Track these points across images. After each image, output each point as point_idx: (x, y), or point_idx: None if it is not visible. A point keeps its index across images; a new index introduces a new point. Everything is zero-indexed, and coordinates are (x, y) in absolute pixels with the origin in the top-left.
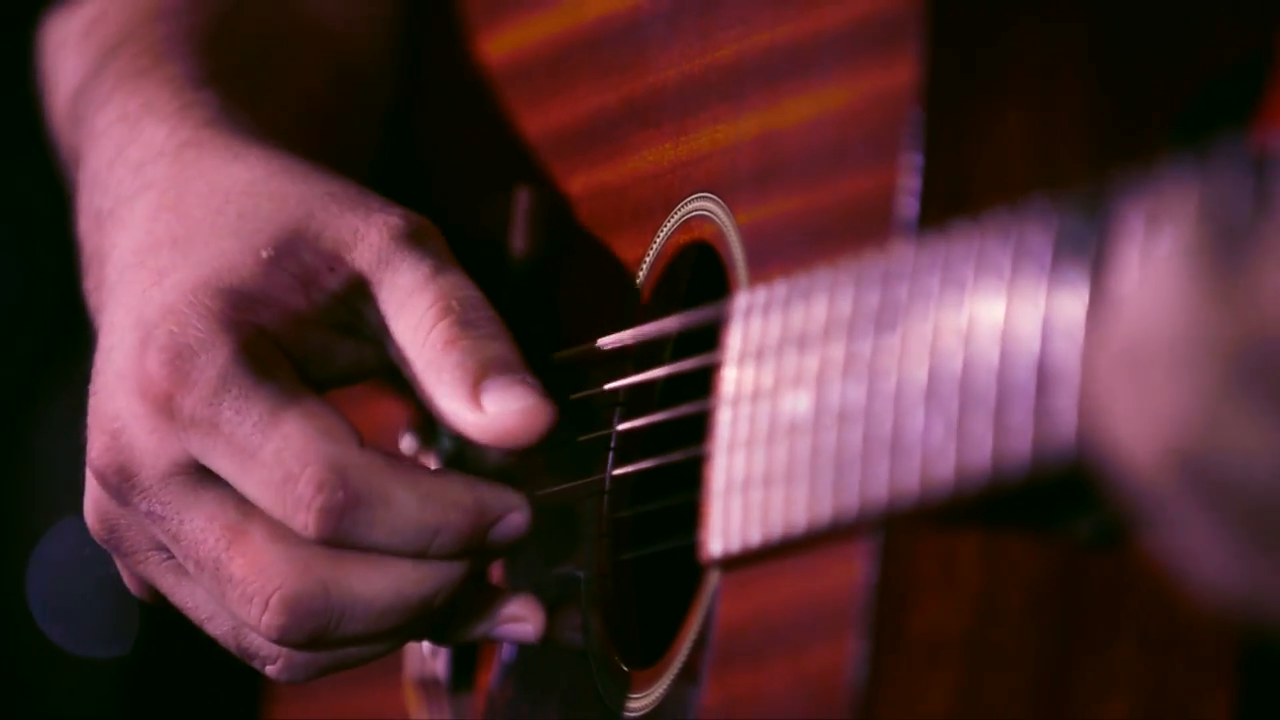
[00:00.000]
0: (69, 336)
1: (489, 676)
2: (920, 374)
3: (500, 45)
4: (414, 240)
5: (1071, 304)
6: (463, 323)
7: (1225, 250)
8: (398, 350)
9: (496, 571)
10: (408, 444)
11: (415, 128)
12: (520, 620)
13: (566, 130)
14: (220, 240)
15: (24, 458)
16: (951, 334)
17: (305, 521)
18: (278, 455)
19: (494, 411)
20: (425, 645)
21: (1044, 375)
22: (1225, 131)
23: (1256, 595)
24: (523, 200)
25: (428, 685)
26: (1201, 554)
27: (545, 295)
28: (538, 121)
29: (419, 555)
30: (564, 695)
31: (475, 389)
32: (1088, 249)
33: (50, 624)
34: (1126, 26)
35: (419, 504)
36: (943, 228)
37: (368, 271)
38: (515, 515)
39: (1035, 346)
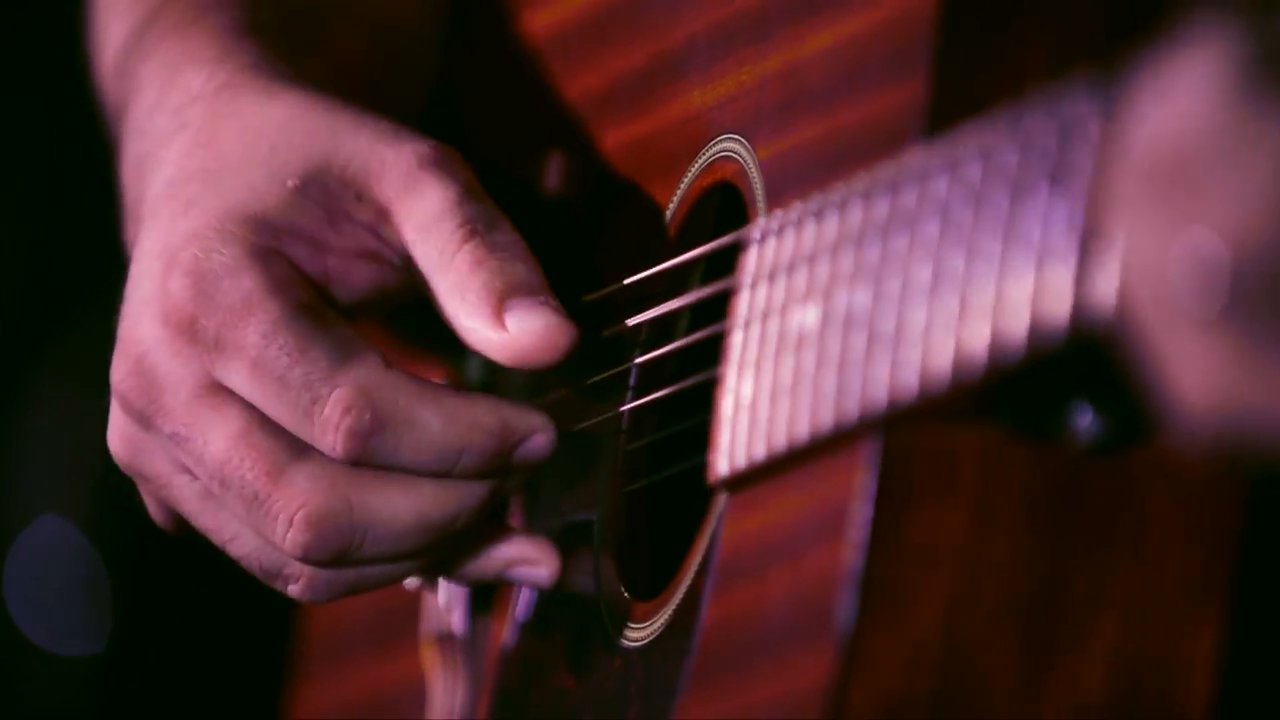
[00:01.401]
0: (45, 333)
1: (503, 628)
2: (925, 273)
3: (543, 17)
4: (440, 166)
5: (1075, 187)
6: (489, 245)
7: (1266, 71)
8: (421, 272)
9: (515, 517)
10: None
11: (462, 106)
12: (535, 563)
13: (601, 92)
14: (249, 172)
15: (2, 453)
16: (957, 230)
17: (333, 443)
18: (305, 378)
19: (516, 330)
20: (441, 599)
21: (1042, 257)
22: None
23: (1268, 417)
24: (555, 164)
25: (444, 641)
26: (1213, 375)
27: (579, 250)
28: (576, 87)
29: (444, 475)
30: (572, 638)
31: (499, 308)
32: (1091, 129)
33: (26, 621)
34: None
35: (444, 425)
36: (949, 134)
37: (394, 197)
38: (539, 436)
39: (1037, 232)
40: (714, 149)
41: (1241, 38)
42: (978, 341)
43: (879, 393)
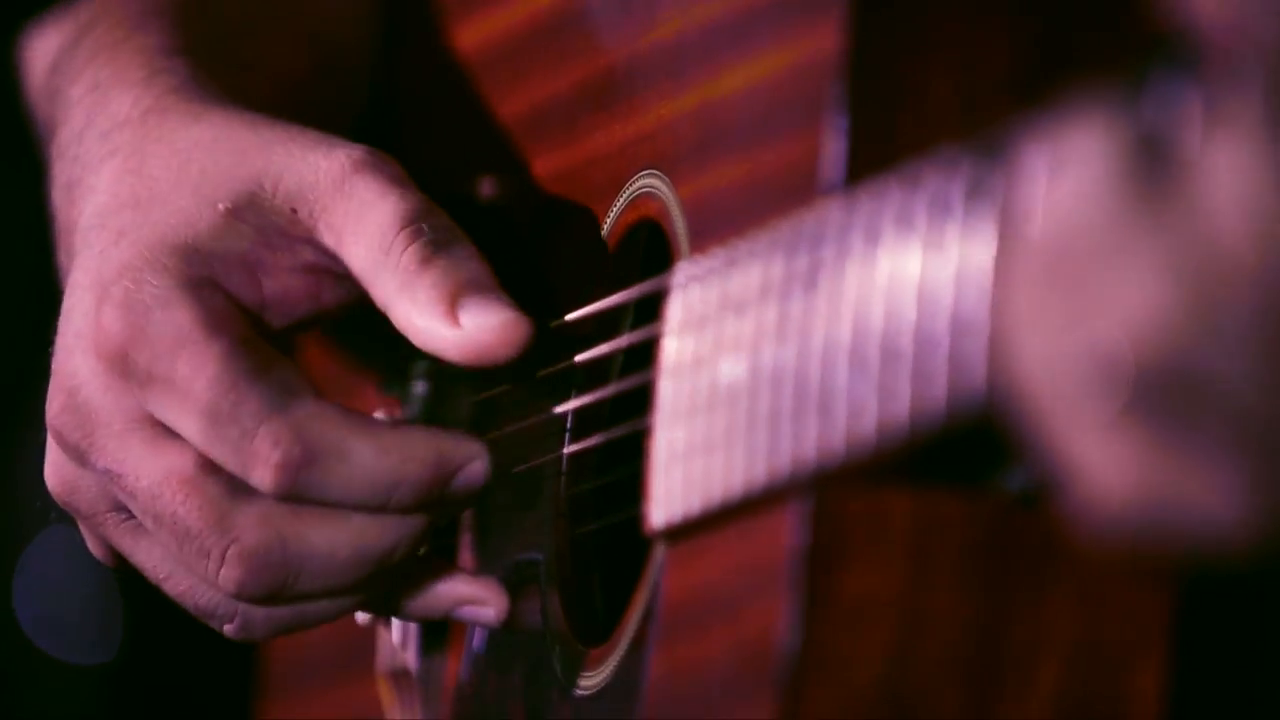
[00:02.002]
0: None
1: (457, 665)
2: (844, 332)
3: (472, 34)
4: (376, 168)
5: (980, 251)
6: (435, 243)
7: (1150, 157)
8: (364, 277)
9: (464, 555)
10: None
11: (394, 121)
12: (482, 603)
13: (528, 116)
14: (179, 198)
15: (9, 463)
16: (872, 290)
17: (263, 477)
18: (234, 411)
19: (471, 326)
20: (395, 635)
21: (956, 325)
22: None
23: (1169, 505)
24: (485, 190)
25: (399, 678)
26: (1102, 472)
27: (509, 282)
28: (504, 108)
29: (379, 509)
30: (525, 679)
31: (452, 306)
32: (994, 192)
33: (36, 630)
34: None
35: (377, 457)
36: (868, 185)
37: (330, 204)
38: (475, 464)
39: (949, 297)
40: (637, 184)
41: (1121, 122)
42: (898, 406)
43: (808, 452)
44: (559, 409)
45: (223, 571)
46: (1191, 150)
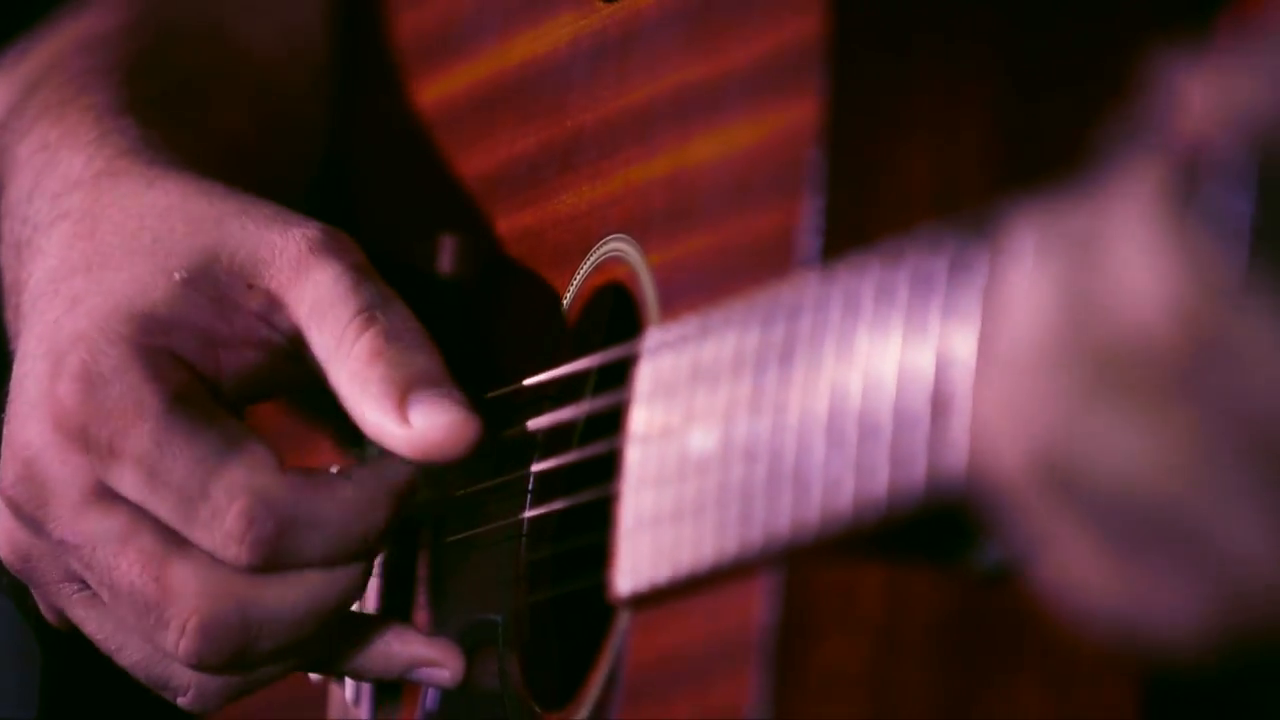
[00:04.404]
0: None
1: None
2: (821, 406)
3: (432, 91)
4: (331, 250)
5: (963, 330)
6: (388, 334)
7: (1079, 255)
8: (318, 362)
9: (420, 616)
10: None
11: (349, 176)
12: (438, 665)
13: (490, 175)
14: (133, 265)
15: None
16: (850, 365)
17: (238, 554)
18: (201, 488)
19: (421, 425)
20: (348, 694)
21: (937, 404)
22: None
23: (1132, 610)
24: (446, 247)
25: None
26: (1072, 570)
27: (470, 341)
28: (465, 167)
29: (356, 560)
30: None
31: (402, 402)
32: (979, 273)
33: None
34: (1032, 65)
35: (343, 515)
36: (847, 259)
37: (285, 283)
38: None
39: (930, 375)
40: (604, 248)
41: (1063, 214)
42: (876, 483)
43: (781, 527)
44: (521, 471)
45: (182, 643)
46: (1117, 249)
